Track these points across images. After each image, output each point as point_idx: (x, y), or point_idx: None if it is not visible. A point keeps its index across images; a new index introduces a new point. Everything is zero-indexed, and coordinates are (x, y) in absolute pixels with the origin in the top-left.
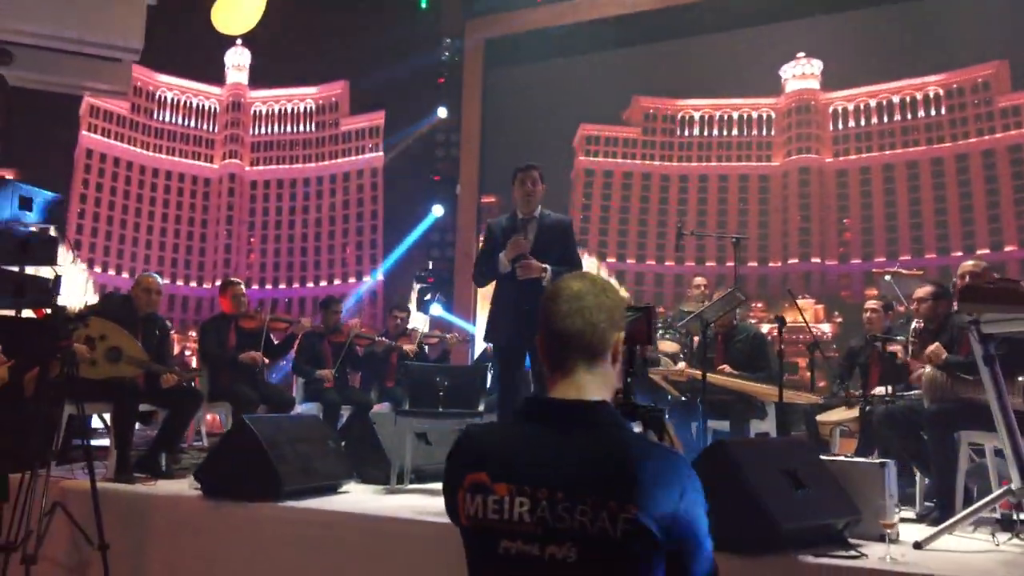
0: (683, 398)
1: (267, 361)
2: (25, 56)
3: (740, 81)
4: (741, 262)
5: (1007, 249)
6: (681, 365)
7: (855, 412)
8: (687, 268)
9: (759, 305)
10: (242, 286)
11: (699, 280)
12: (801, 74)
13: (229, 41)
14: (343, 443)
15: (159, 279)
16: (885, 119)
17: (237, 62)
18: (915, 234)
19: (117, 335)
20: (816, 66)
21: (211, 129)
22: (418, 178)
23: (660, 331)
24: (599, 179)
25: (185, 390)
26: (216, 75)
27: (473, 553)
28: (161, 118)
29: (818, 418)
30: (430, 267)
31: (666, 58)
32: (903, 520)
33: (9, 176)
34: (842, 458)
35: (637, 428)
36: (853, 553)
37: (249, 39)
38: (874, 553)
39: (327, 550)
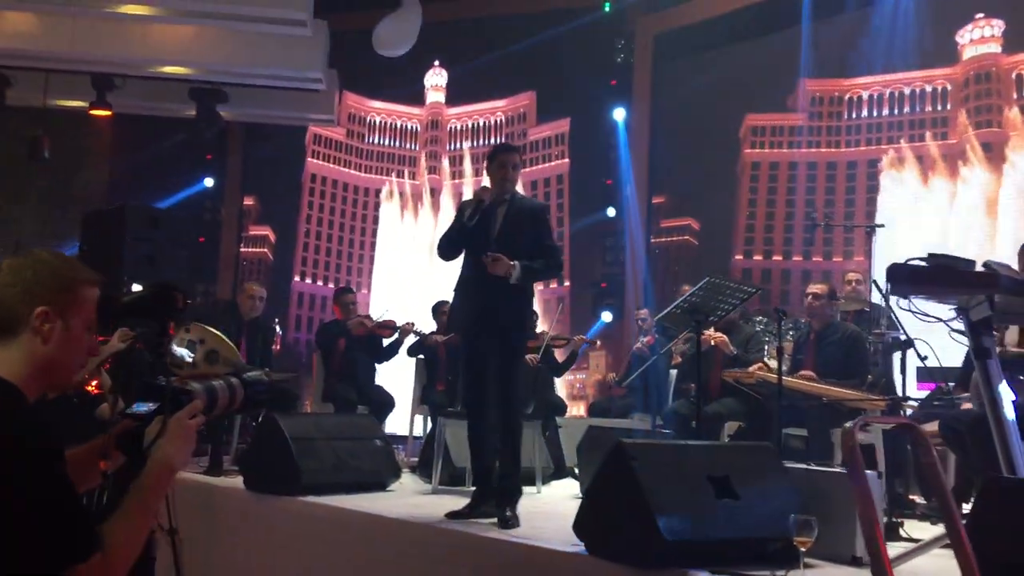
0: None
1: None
2: (237, 95)
3: (913, 52)
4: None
5: None
6: (756, 366)
7: None
8: (853, 262)
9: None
10: (352, 295)
11: (851, 275)
12: (980, 37)
13: (428, 64)
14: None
15: (261, 288)
16: None
17: (435, 83)
18: None
19: (214, 339)
20: (997, 27)
21: (413, 148)
22: (597, 181)
23: (791, 332)
24: (764, 171)
25: (279, 390)
26: (417, 97)
27: None
28: (371, 141)
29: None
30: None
31: (832, 33)
32: None
33: (250, 202)
34: (812, 467)
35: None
36: (761, 573)
37: (445, 59)
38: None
39: (335, 545)
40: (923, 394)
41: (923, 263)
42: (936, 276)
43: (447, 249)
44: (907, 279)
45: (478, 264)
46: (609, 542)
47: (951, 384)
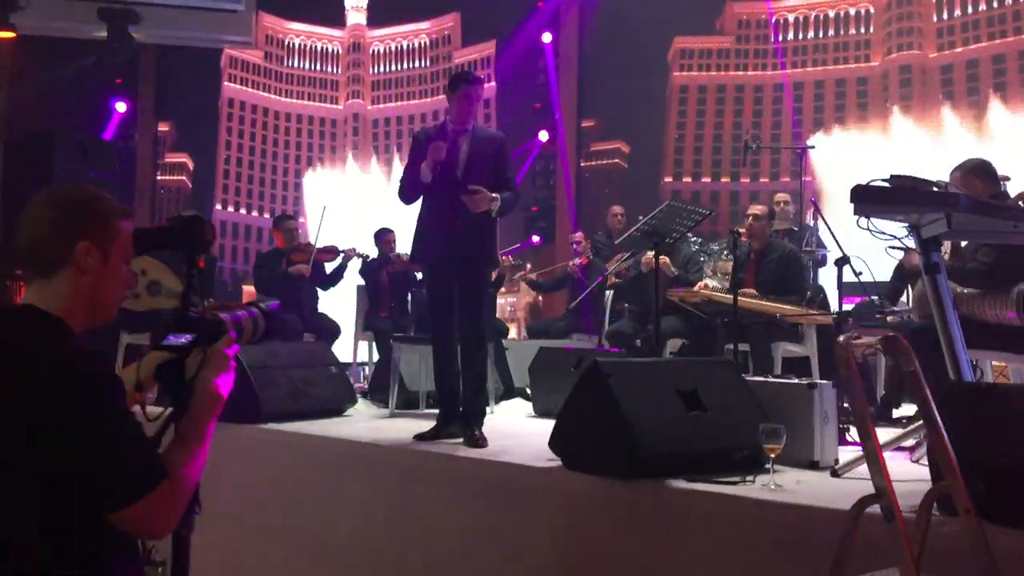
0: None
1: (307, 276)
2: (149, 15)
3: None
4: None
5: None
6: (699, 285)
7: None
8: (780, 183)
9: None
10: (293, 221)
11: (779, 196)
12: None
13: None
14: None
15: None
16: (995, 3)
17: (355, 3)
18: None
19: (156, 270)
20: None
21: (335, 71)
22: (527, 107)
23: (726, 252)
24: (693, 95)
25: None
26: (338, 18)
27: None
28: (290, 64)
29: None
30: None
31: None
32: None
33: (164, 128)
34: (770, 379)
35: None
36: (732, 479)
37: None
38: (786, 480)
39: (305, 470)
40: (850, 307)
41: (886, 183)
42: (899, 196)
43: (410, 193)
44: (870, 199)
45: (444, 196)
46: (587, 456)
47: (876, 298)
